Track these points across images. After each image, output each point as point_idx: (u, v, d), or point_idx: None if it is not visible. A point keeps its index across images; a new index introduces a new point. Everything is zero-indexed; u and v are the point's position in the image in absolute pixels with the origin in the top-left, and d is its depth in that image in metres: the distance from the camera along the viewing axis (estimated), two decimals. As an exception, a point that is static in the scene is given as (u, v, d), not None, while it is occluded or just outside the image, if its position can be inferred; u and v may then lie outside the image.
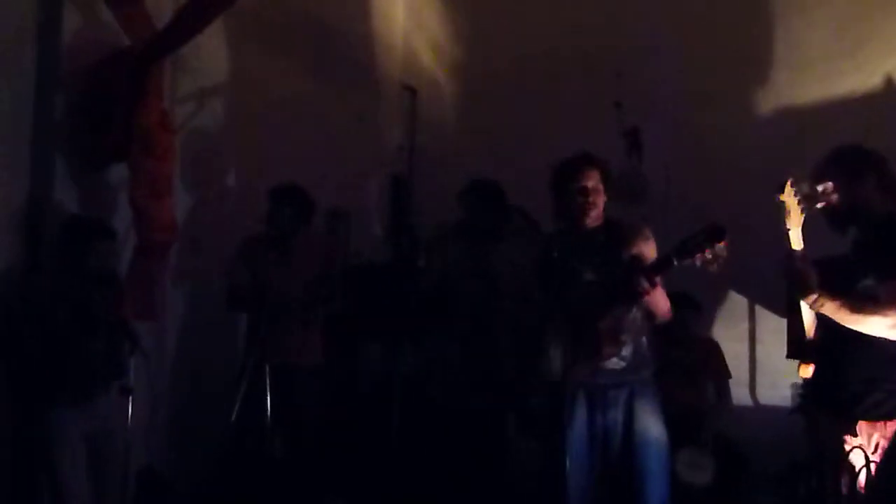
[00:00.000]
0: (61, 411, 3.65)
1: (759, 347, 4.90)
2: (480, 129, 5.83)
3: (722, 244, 2.89)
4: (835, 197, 2.87)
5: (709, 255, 2.90)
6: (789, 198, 2.83)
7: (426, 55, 6.13)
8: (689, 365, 4.52)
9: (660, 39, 5.23)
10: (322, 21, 5.55)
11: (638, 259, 3.22)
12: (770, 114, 4.99)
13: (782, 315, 3.91)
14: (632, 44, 5.30)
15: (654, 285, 3.08)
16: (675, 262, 2.98)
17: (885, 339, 2.81)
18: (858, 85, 4.74)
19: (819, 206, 2.87)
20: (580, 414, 3.26)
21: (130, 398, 3.74)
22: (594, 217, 3.33)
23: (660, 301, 3.22)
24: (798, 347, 2.97)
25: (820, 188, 2.87)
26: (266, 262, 4.30)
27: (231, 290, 4.38)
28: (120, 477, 3.81)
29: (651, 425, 3.25)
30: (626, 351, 3.26)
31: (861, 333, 2.82)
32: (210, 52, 4.82)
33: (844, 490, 2.91)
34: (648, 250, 3.29)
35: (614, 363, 3.25)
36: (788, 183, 2.84)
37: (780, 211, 2.85)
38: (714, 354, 4.67)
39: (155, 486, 4.22)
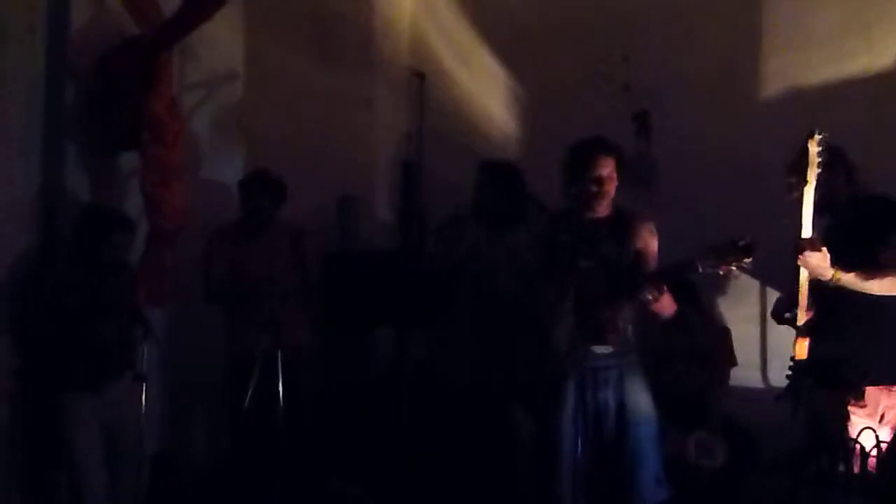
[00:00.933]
0: (76, 398, 3.68)
1: (769, 329, 4.89)
2: (489, 114, 5.82)
3: (749, 259, 2.94)
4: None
5: (734, 268, 2.97)
6: (813, 147, 2.91)
7: (434, 39, 6.11)
8: (698, 349, 4.51)
9: (668, 21, 5.20)
10: (329, 6, 5.55)
11: (640, 258, 3.25)
12: (780, 94, 4.95)
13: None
14: (640, 26, 5.27)
15: (661, 293, 3.14)
16: (700, 271, 3.03)
17: (883, 309, 2.92)
18: (869, 65, 4.70)
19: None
20: (571, 396, 3.30)
21: (144, 385, 3.78)
22: (605, 206, 3.35)
23: (666, 305, 3.26)
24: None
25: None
26: (246, 251, 4.31)
27: (208, 284, 4.38)
28: (134, 463, 3.86)
29: (641, 403, 3.31)
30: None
31: (859, 308, 2.90)
32: (217, 40, 4.83)
33: (856, 469, 2.93)
34: (651, 246, 3.34)
35: (603, 348, 3.30)
36: (816, 132, 2.91)
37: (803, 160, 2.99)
38: (722, 340, 4.66)
39: (169, 471, 4.25)
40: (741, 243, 2.93)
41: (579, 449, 3.26)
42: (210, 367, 4.64)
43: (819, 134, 2.95)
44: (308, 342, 4.45)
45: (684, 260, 3.14)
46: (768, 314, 4.89)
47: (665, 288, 3.16)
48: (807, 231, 2.98)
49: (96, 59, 4.16)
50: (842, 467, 2.99)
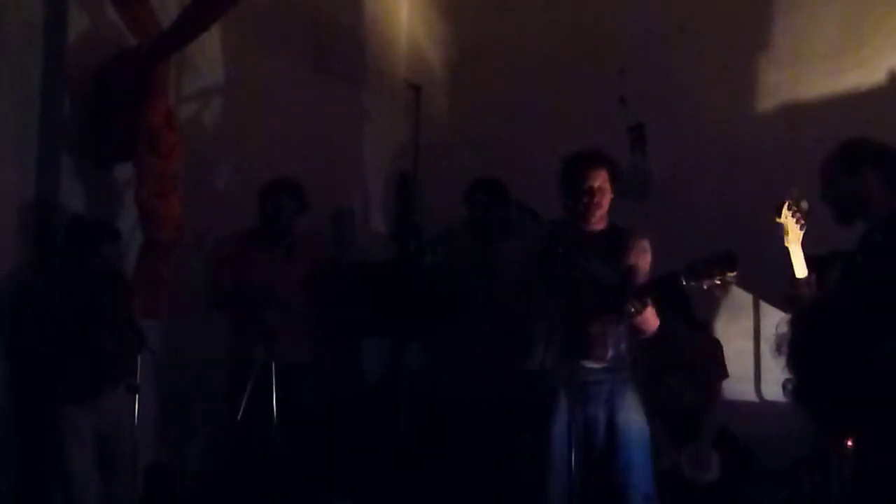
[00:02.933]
0: (70, 409, 3.67)
1: (763, 343, 4.90)
2: (485, 126, 5.83)
3: (733, 273, 2.89)
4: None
5: (717, 282, 2.92)
6: (787, 219, 2.83)
7: (430, 52, 6.13)
8: (692, 363, 4.52)
9: (663, 35, 5.23)
10: (325, 18, 5.57)
11: (631, 274, 3.25)
12: (774, 109, 4.98)
13: (786, 311, 3.91)
14: (635, 39, 5.30)
15: (644, 306, 3.10)
16: (684, 284, 3.01)
17: None
18: (863, 80, 4.73)
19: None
20: (561, 409, 3.27)
21: (137, 396, 3.77)
22: (598, 217, 3.34)
23: (649, 320, 3.23)
24: None
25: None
26: (258, 261, 4.28)
27: (212, 290, 4.32)
28: (128, 474, 3.84)
29: (632, 418, 3.28)
30: (608, 353, 3.30)
31: None
32: (214, 51, 4.84)
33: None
34: (643, 263, 3.31)
35: (593, 363, 3.28)
36: (785, 205, 2.84)
37: (781, 231, 2.86)
38: (714, 353, 4.67)
39: (163, 482, 4.24)
40: (723, 259, 2.89)
41: (572, 465, 3.21)
42: (207, 377, 4.63)
43: (790, 208, 2.80)
44: (308, 355, 4.43)
45: (667, 274, 3.13)
46: (762, 328, 4.94)
47: (648, 302, 3.12)
48: (800, 272, 2.89)
49: (93, 70, 4.16)
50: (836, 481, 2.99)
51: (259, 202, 4.39)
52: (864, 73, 4.73)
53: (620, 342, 3.32)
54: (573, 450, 3.22)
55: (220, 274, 4.33)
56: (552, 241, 3.34)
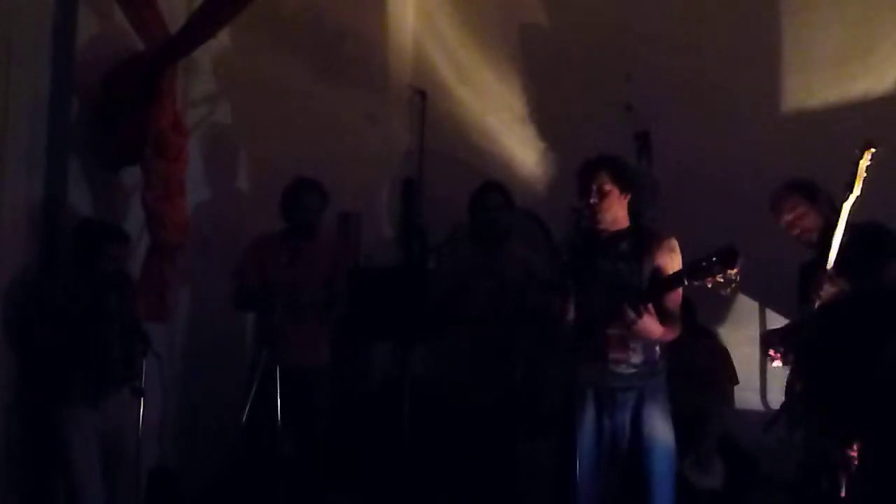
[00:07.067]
0: (75, 411, 3.69)
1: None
2: (490, 132, 5.84)
3: (734, 270, 2.86)
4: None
5: (720, 280, 2.88)
6: (864, 162, 2.95)
7: (436, 58, 6.14)
8: (696, 369, 4.51)
9: (670, 42, 5.23)
10: (332, 23, 5.59)
11: (659, 276, 3.21)
12: (781, 117, 4.98)
13: (792, 318, 3.90)
14: (642, 46, 5.30)
15: (640, 315, 3.05)
16: (686, 283, 3.00)
17: None
18: (870, 88, 4.73)
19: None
20: (589, 415, 3.25)
21: (142, 399, 3.78)
22: (609, 219, 3.31)
23: (650, 329, 3.12)
24: None
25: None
26: (278, 262, 4.28)
27: (239, 290, 4.36)
28: (132, 477, 3.85)
29: (658, 428, 3.23)
30: (637, 358, 3.24)
31: None
32: (221, 55, 4.86)
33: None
34: (671, 263, 3.23)
35: (624, 368, 3.23)
36: (871, 149, 3.05)
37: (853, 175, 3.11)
38: (721, 359, 4.66)
39: (166, 485, 4.24)
40: (724, 254, 2.85)
41: (594, 470, 3.20)
42: (212, 380, 4.64)
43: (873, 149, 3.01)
44: (327, 362, 4.43)
45: (670, 276, 3.12)
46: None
47: (644, 310, 3.05)
48: (831, 261, 2.97)
49: (101, 74, 4.18)
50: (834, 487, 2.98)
51: (287, 201, 4.38)
52: (873, 80, 4.73)
53: (653, 347, 3.26)
54: (600, 459, 3.22)
55: (245, 274, 4.34)
56: (574, 243, 3.31)
